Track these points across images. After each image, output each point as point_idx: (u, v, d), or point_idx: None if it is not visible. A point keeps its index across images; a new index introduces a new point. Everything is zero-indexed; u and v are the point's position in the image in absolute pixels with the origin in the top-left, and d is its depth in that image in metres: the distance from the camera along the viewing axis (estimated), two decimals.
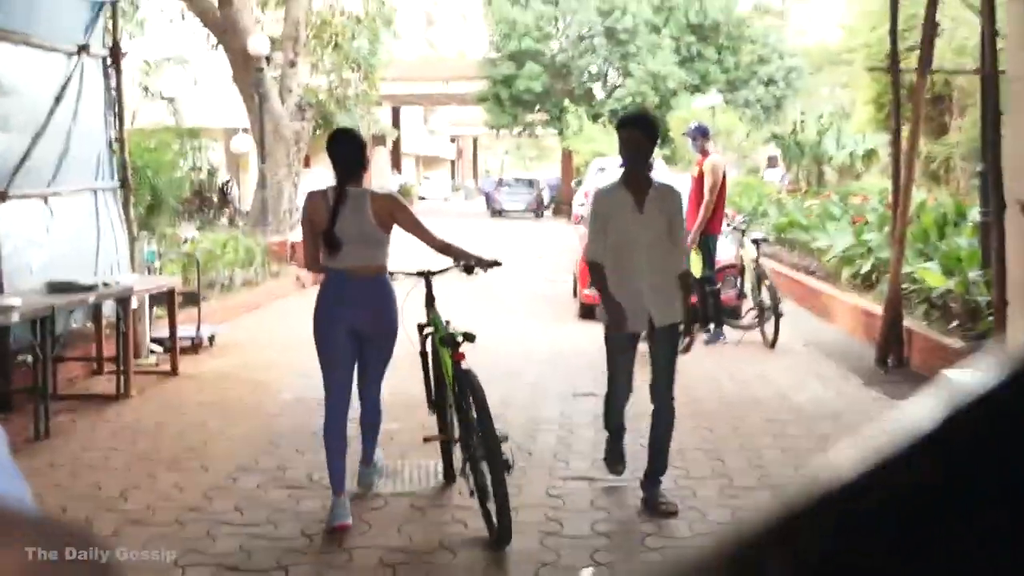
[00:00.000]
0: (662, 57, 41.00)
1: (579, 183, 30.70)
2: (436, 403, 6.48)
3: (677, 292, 6.13)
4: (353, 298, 5.95)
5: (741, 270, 11.86)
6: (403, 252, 6.68)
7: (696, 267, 10.63)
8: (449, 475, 6.56)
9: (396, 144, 54.58)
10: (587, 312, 12.61)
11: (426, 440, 6.51)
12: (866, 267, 12.60)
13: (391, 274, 6.11)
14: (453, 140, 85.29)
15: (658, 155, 30.54)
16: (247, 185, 31.43)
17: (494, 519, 5.50)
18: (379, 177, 50.28)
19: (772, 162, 36.14)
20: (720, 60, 42.55)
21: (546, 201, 48.24)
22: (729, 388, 9.26)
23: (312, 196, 6.10)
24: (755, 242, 11.75)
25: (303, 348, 7.38)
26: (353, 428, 6.24)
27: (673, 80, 40.61)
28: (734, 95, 41.99)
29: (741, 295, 11.89)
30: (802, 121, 39.33)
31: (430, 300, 6.31)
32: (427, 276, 6.34)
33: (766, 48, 43.17)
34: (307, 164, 27.80)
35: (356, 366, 6.12)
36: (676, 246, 6.12)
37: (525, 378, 9.66)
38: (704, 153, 10.96)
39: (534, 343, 11.48)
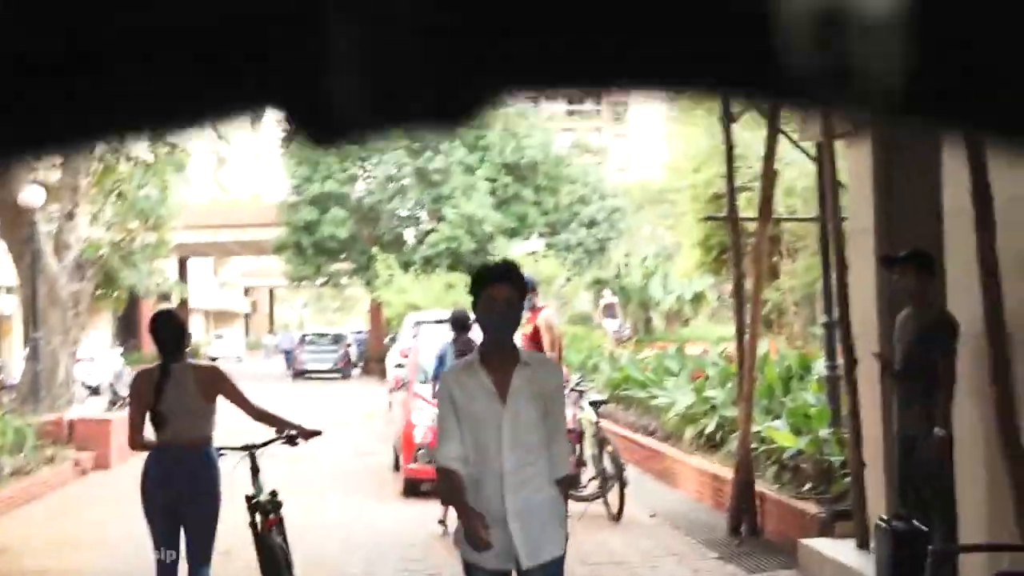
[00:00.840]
0: (477, 199, 40.76)
1: (392, 340, 30.05)
2: None
3: (556, 511, 4.90)
4: (173, 472, 6.50)
5: (580, 436, 11.67)
6: (231, 421, 7.17)
7: None
8: None
9: (183, 301, 53.12)
10: (412, 488, 12.48)
11: None
12: (710, 426, 12.59)
13: (219, 450, 6.70)
14: (247, 292, 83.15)
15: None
16: (11, 353, 29.99)
17: None
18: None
19: (609, 311, 35.84)
20: (539, 201, 42.84)
21: (354, 358, 46.65)
22: (579, 573, 8.79)
23: (139, 375, 6.80)
24: (594, 404, 11.69)
25: (87, 551, 7.18)
26: None
27: (490, 223, 40.47)
28: (555, 238, 42.33)
29: (580, 463, 11.65)
30: (626, 264, 40.30)
31: (255, 472, 7.01)
32: (251, 450, 7.02)
33: (586, 188, 43.87)
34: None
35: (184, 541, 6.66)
36: (556, 443, 4.89)
37: (350, 571, 9.18)
38: (535, 309, 10.82)
39: (354, 528, 10.98)
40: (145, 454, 6.69)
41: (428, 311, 28.67)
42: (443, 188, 41.68)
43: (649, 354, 19.24)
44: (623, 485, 10.87)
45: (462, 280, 35.41)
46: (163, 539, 6.62)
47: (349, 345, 46.88)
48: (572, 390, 11.81)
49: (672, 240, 45.40)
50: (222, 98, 0.65)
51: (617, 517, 10.93)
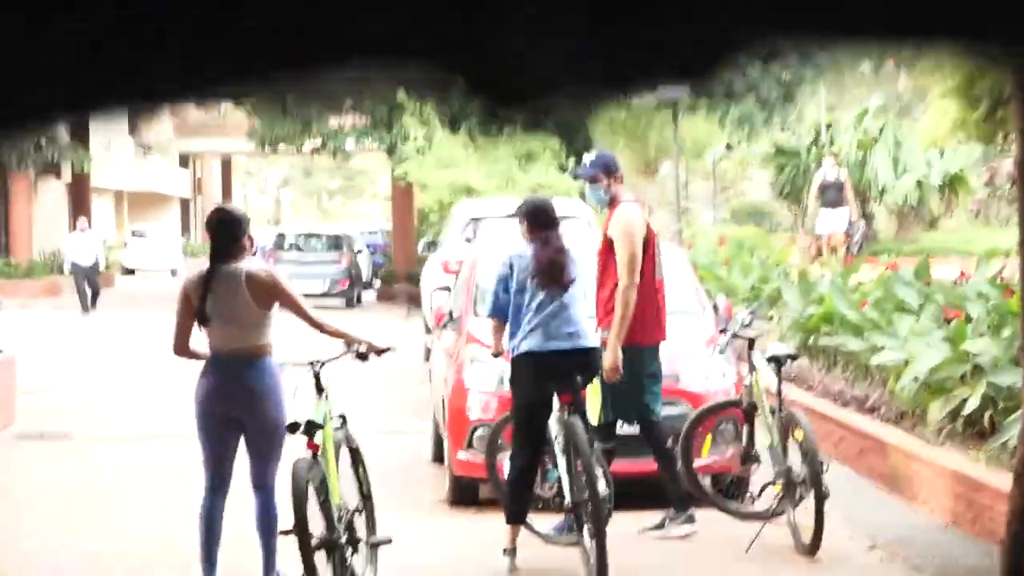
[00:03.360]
0: None
1: (431, 245, 27.16)
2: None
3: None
4: (226, 383, 8.12)
5: (748, 413, 10.78)
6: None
7: (593, 409, 10.18)
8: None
9: (80, 176, 47.22)
10: (464, 493, 11.35)
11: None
12: (973, 401, 11.72)
13: (280, 365, 8.21)
14: (186, 163, 75.87)
15: (574, 190, 26.81)
16: None
17: None
18: (46, 230, 44.90)
19: (832, 194, 28.68)
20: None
21: (365, 275, 40.53)
22: None
23: (189, 277, 8.51)
24: (775, 361, 10.83)
25: None
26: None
27: None
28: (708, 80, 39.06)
29: (748, 457, 10.91)
30: (828, 126, 36.60)
31: (319, 391, 8.41)
32: (315, 366, 8.41)
33: None
34: None
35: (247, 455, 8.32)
36: None
37: None
38: (614, 201, 10.52)
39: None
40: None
41: (490, 199, 25.66)
42: None
43: (868, 277, 17.88)
44: (822, 496, 10.07)
45: (549, 148, 31.32)
46: (212, 460, 8.25)
47: (357, 253, 38.79)
48: (735, 335, 11.10)
49: (910, 84, 41.70)
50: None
51: (812, 548, 10.11)
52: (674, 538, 10.60)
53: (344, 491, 8.61)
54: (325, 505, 8.13)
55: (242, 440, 8.32)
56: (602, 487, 8.98)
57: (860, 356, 14.90)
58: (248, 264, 8.26)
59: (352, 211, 75.39)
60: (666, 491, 10.72)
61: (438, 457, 13.28)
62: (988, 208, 36.74)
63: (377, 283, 40.68)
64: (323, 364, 8.54)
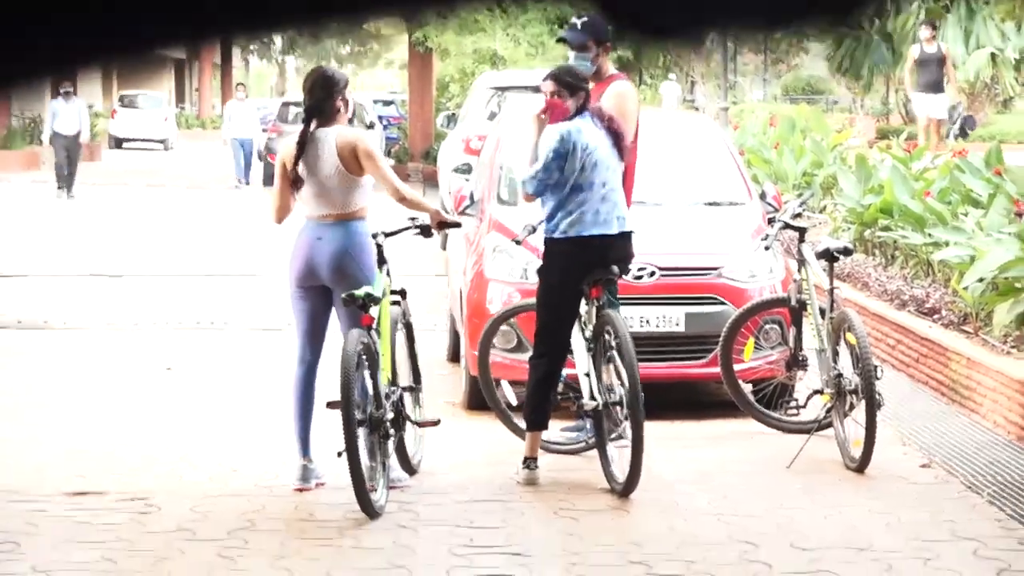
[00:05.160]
0: None
1: (451, 118, 26.97)
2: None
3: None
4: (317, 247, 8.74)
5: (795, 311, 10.81)
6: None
7: None
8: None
9: None
10: (481, 396, 11.02)
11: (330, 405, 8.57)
12: None
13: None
14: None
15: (612, 58, 27.46)
16: None
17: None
18: (24, 93, 41.70)
19: (929, 72, 26.39)
20: None
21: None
22: (791, 563, 8.26)
23: (287, 139, 9.46)
24: (827, 255, 10.71)
25: None
26: None
27: None
28: None
29: (796, 362, 10.97)
30: None
31: (380, 263, 9.00)
32: (377, 238, 9.05)
33: None
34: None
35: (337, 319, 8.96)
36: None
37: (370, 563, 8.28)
38: (599, 74, 10.37)
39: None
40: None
41: (518, 70, 25.78)
42: None
43: (930, 164, 17.55)
44: (874, 407, 10.02)
45: (584, 8, 31.82)
46: (300, 329, 8.97)
47: (369, 127, 36.18)
48: (784, 226, 11.05)
49: None
50: None
51: (861, 464, 10.06)
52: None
53: (397, 369, 9.18)
54: (375, 381, 8.56)
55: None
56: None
57: (921, 252, 14.87)
58: (341, 128, 8.84)
59: (364, 81, 75.27)
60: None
61: (454, 357, 13.27)
62: None
63: (391, 161, 40.24)
64: (387, 236, 9.14)
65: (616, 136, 9.50)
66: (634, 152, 10.39)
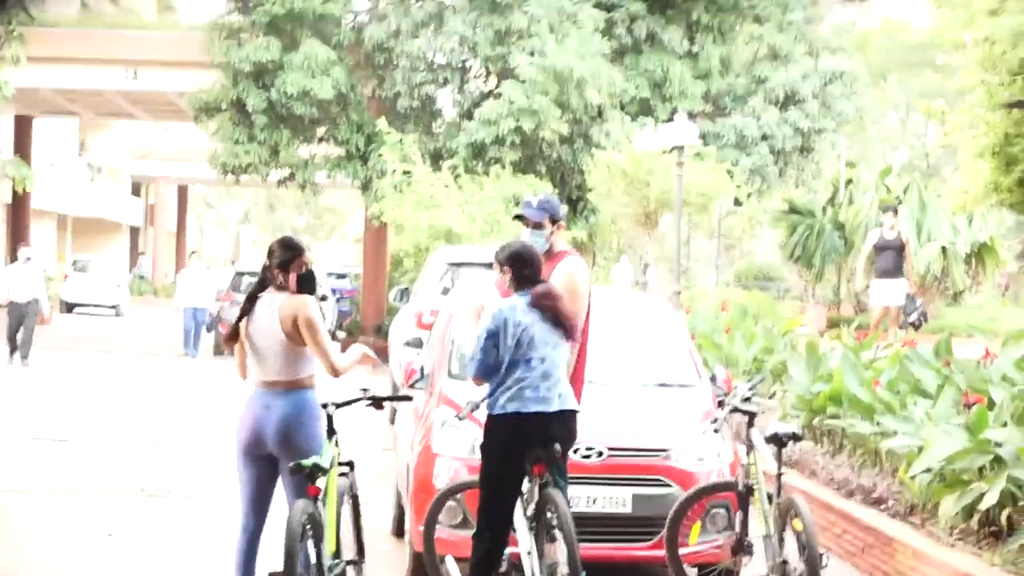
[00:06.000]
0: (579, 41, 33.71)
1: (403, 293, 27.03)
2: None
3: None
4: (264, 416, 8.75)
5: (743, 495, 10.75)
6: None
7: None
8: None
9: (20, 195, 45.34)
10: (426, 571, 10.84)
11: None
12: (991, 496, 11.60)
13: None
14: (139, 189, 76.84)
15: (567, 236, 27.11)
16: None
17: None
18: None
19: (888, 259, 25.89)
20: (693, 53, 36.31)
21: (330, 324, 39.64)
22: None
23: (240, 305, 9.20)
24: (775, 440, 10.64)
25: None
26: None
27: (597, 85, 33.76)
28: (720, 123, 36.36)
29: (740, 546, 10.86)
30: (849, 182, 36.24)
31: (330, 434, 8.95)
32: (328, 409, 9.06)
33: (785, 31, 36.95)
34: None
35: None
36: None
37: None
38: (551, 251, 10.43)
39: None
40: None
41: (472, 246, 25.45)
42: (514, 17, 33.96)
43: (882, 353, 17.78)
44: None
45: (539, 192, 31.52)
46: (243, 498, 8.89)
47: (322, 299, 39.03)
48: (733, 410, 10.99)
49: (939, 141, 41.67)
50: None
51: None
52: None
53: (341, 541, 9.14)
54: (319, 552, 8.51)
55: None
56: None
57: (869, 441, 14.78)
58: (287, 296, 8.84)
59: (319, 253, 75.54)
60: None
61: (398, 531, 13.11)
62: (1018, 283, 36.48)
63: (341, 335, 39.81)
64: (338, 407, 9.10)
65: (557, 314, 9.43)
66: (586, 330, 10.27)
